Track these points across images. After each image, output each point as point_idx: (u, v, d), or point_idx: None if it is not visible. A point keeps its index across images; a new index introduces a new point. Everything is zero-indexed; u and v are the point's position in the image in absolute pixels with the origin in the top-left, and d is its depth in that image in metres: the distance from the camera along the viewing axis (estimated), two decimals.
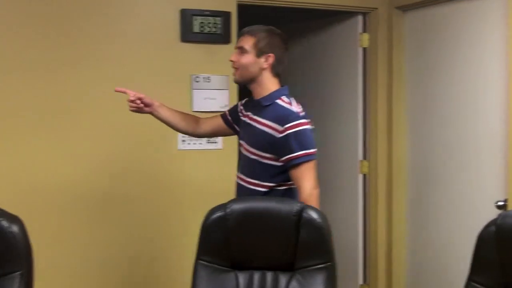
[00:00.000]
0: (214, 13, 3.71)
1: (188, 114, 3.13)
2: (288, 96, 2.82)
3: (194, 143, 3.66)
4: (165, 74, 3.63)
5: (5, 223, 2.37)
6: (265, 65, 2.77)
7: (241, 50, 2.78)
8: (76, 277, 3.47)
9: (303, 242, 2.48)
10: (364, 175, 4.34)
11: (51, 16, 3.39)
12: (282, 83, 2.86)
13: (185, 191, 3.69)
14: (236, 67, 2.80)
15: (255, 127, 2.79)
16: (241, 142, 2.88)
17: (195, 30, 3.65)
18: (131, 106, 2.92)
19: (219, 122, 3.07)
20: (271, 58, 2.77)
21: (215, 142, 3.71)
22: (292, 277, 2.50)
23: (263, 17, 4.84)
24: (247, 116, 2.87)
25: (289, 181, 2.77)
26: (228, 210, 2.51)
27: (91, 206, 3.50)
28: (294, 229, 2.47)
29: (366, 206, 4.34)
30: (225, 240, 2.51)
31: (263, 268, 2.54)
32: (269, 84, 2.79)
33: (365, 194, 4.34)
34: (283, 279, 2.51)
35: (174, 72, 3.64)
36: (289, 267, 2.52)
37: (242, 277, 2.53)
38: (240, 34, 2.86)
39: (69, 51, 3.42)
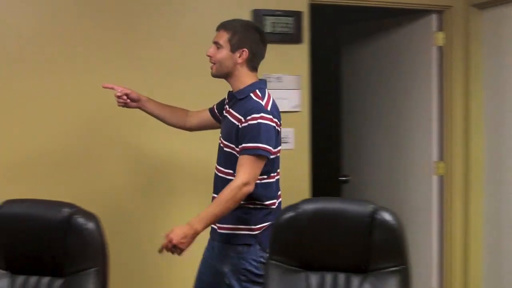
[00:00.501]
0: (286, 13, 3.70)
1: (177, 107, 3.11)
2: (262, 90, 2.79)
3: None
4: None
5: (81, 220, 2.43)
6: (239, 60, 2.76)
7: (217, 45, 2.79)
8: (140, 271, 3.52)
9: (376, 244, 2.45)
10: (440, 177, 4.24)
11: (118, 20, 3.43)
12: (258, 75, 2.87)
13: None
14: (213, 62, 2.80)
15: (228, 119, 2.80)
16: (220, 135, 2.89)
17: (266, 30, 3.64)
18: (118, 102, 2.96)
19: (206, 115, 3.08)
20: (245, 53, 2.76)
21: (287, 142, 3.69)
22: (365, 279, 2.47)
23: (335, 16, 4.84)
24: (225, 109, 2.89)
25: (264, 175, 2.74)
26: (299, 211, 2.50)
27: (155, 200, 3.54)
28: (367, 230, 2.44)
29: (441, 208, 4.24)
30: (297, 240, 2.50)
31: (334, 269, 2.52)
32: (244, 78, 2.79)
33: (441, 196, 4.24)
34: (355, 281, 2.48)
35: None
36: (362, 269, 2.48)
37: (313, 278, 2.52)
38: (216, 28, 2.84)
39: (137, 54, 3.46)
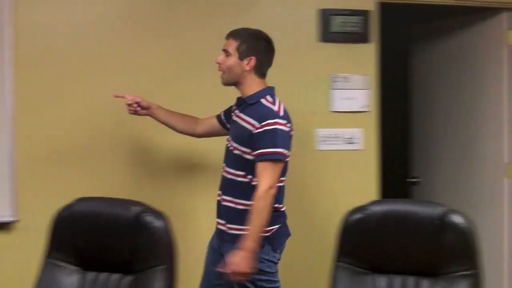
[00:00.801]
0: (354, 12, 3.66)
1: (186, 115, 3.17)
2: (272, 96, 2.87)
3: (335, 144, 3.63)
4: (303, 74, 3.61)
5: (150, 219, 2.46)
6: (247, 68, 2.84)
7: (226, 53, 2.87)
8: None
9: (446, 247, 2.40)
10: None
11: (181, 20, 3.47)
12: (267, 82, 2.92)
13: (322, 192, 3.66)
14: (221, 69, 2.89)
15: (238, 123, 2.87)
16: (228, 138, 2.95)
17: (333, 29, 3.62)
18: (129, 110, 3.03)
19: (214, 123, 3.14)
20: (252, 61, 2.84)
21: (355, 143, 3.66)
22: (435, 283, 2.42)
23: (404, 15, 4.77)
24: (234, 113, 2.94)
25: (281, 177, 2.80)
26: (368, 212, 2.47)
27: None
28: (437, 233, 2.39)
29: None
30: (365, 242, 2.47)
31: (403, 272, 2.48)
32: (253, 85, 2.87)
33: None
34: (425, 284, 2.44)
35: (312, 73, 3.62)
36: (432, 272, 2.44)
37: (382, 281, 2.48)
38: (226, 37, 2.91)
39: (207, 56, 3.48)
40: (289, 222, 3.50)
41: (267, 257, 2.77)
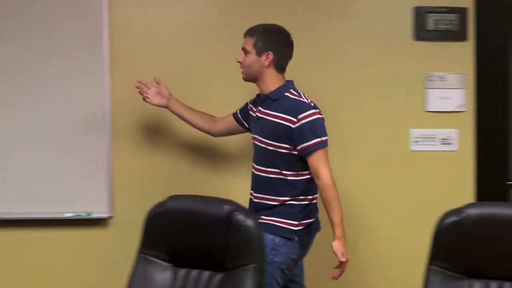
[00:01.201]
0: (450, 10, 3.55)
1: (204, 113, 3.23)
2: (295, 89, 2.91)
3: (429, 144, 3.55)
4: (397, 73, 3.54)
5: (241, 217, 2.47)
6: (266, 63, 2.87)
7: (244, 51, 2.92)
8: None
9: None
10: None
11: (282, 20, 3.46)
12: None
13: (416, 193, 3.57)
14: (243, 67, 2.94)
15: (267, 119, 2.88)
16: (254, 136, 2.97)
17: (429, 27, 3.53)
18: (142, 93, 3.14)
19: (230, 120, 3.18)
20: (270, 56, 2.87)
21: (451, 144, 3.56)
22: None
23: (504, 12, 4.59)
24: (257, 111, 2.96)
25: (309, 170, 2.84)
26: (463, 215, 2.39)
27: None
28: None
29: None
30: (460, 246, 2.39)
31: (501, 277, 2.38)
32: (274, 79, 2.90)
33: None
34: None
35: (406, 71, 3.54)
36: None
37: (477, 285, 2.40)
38: (243, 35, 2.95)
39: (300, 54, 3.47)
40: (382, 224, 3.47)
41: (288, 253, 2.83)
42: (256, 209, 2.90)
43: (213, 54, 3.45)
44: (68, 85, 3.33)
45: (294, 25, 3.38)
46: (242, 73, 2.96)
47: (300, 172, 2.86)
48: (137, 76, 3.35)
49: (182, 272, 2.55)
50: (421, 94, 3.55)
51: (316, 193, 2.91)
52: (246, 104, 3.13)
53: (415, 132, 3.54)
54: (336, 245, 2.78)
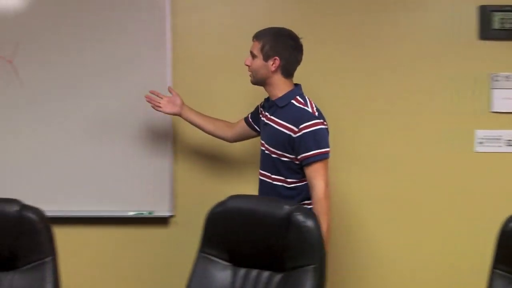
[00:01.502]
0: None
1: (218, 119, 3.22)
2: (302, 96, 2.87)
3: (494, 146, 3.46)
4: (462, 73, 3.47)
5: (301, 218, 2.46)
6: (272, 68, 2.83)
7: (252, 55, 2.87)
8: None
9: None
10: None
11: (344, 18, 3.46)
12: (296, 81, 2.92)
13: (480, 195, 3.50)
14: (250, 71, 2.90)
15: (272, 127, 2.86)
16: (261, 141, 2.95)
17: (494, 26, 3.45)
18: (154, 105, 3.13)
19: (242, 125, 3.16)
20: (277, 61, 2.82)
21: None
22: None
23: None
24: (265, 116, 2.94)
25: None
26: None
27: (381, 207, 3.50)
28: None
29: None
30: None
31: None
32: (281, 85, 2.86)
33: None
34: None
35: (471, 71, 3.47)
36: None
37: None
38: (252, 39, 2.90)
39: (365, 53, 3.46)
40: (446, 224, 3.41)
41: None
42: None
43: None
44: (133, 87, 3.39)
45: (354, 23, 3.38)
46: (250, 76, 2.93)
47: (303, 178, 2.83)
48: (199, 76, 3.40)
49: (241, 271, 2.56)
50: (486, 95, 3.47)
51: None
52: (257, 108, 3.12)
53: (480, 133, 3.46)
54: None
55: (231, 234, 2.57)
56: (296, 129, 2.76)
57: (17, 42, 3.38)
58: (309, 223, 2.45)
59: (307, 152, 2.75)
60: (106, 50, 3.38)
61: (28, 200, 2.58)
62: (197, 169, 3.47)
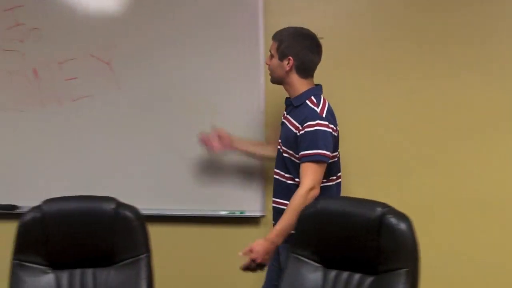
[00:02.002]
0: None
1: (260, 141, 3.32)
2: (317, 96, 2.87)
3: None
4: None
5: (393, 220, 2.42)
6: (287, 68, 2.85)
7: (270, 54, 2.91)
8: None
9: None
10: None
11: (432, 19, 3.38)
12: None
13: None
14: (269, 70, 2.95)
15: (286, 126, 2.90)
16: (279, 140, 2.97)
17: None
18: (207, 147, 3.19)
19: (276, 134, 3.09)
20: (291, 61, 2.84)
21: None
22: None
23: None
24: (283, 115, 2.99)
25: (324, 178, 2.82)
26: None
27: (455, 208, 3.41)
28: None
29: None
30: None
31: None
32: (297, 85, 2.88)
33: None
34: None
35: None
36: None
37: None
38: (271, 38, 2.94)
39: (450, 54, 3.36)
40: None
41: None
42: (275, 213, 2.92)
43: (367, 55, 3.41)
44: (226, 89, 3.44)
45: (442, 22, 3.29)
46: (270, 75, 2.97)
47: None
48: None
49: (332, 273, 2.54)
50: None
51: None
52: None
53: None
54: (258, 243, 2.72)
55: (322, 236, 2.55)
56: (300, 127, 2.80)
57: (115, 45, 3.48)
58: (402, 225, 2.40)
59: (304, 150, 2.77)
60: (200, 49, 3.43)
61: (124, 198, 2.65)
62: None
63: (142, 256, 2.57)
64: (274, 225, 2.88)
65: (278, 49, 2.87)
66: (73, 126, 3.56)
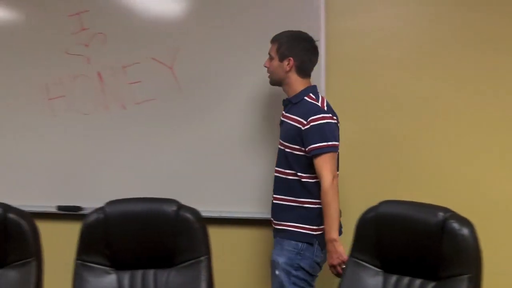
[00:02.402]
0: None
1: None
2: (316, 93, 3.00)
3: None
4: None
5: (456, 225, 2.38)
6: (287, 68, 2.97)
7: (270, 57, 3.03)
8: None
9: None
10: None
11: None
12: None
13: None
14: (269, 72, 3.05)
15: (286, 122, 3.00)
16: (279, 140, 3.05)
17: None
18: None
19: None
20: (291, 61, 2.96)
21: None
22: None
23: None
24: (282, 115, 3.07)
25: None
26: None
27: None
28: None
29: None
30: None
31: None
32: (297, 84, 3.00)
33: None
34: None
35: None
36: None
37: None
38: (270, 42, 3.04)
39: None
40: None
41: (312, 257, 2.91)
42: (277, 210, 3.02)
43: (426, 56, 3.37)
44: None
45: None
46: (268, 77, 3.07)
47: (315, 175, 2.91)
48: (352, 80, 3.38)
49: (393, 278, 2.51)
50: None
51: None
52: None
53: None
54: (333, 248, 2.83)
55: (383, 240, 2.53)
56: (305, 122, 2.89)
57: (177, 48, 3.53)
58: (465, 231, 2.36)
59: (315, 144, 2.86)
60: (262, 51, 3.44)
61: (186, 200, 2.68)
62: (349, 174, 3.44)
63: (202, 258, 2.60)
64: (272, 221, 3.06)
65: (278, 50, 3.00)
66: (136, 129, 3.62)
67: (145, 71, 3.58)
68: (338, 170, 3.00)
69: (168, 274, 2.61)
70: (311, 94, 2.99)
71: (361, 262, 2.57)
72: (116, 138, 3.66)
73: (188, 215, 2.62)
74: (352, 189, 3.38)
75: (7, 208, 2.57)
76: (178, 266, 2.62)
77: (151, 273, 2.64)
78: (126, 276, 2.63)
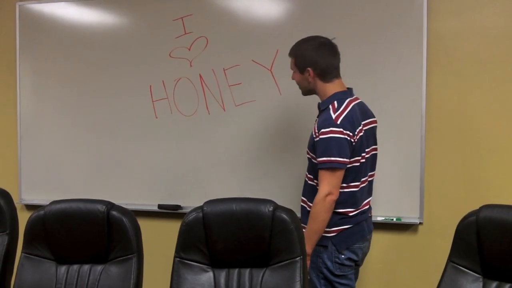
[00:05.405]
0: None
1: None
2: (341, 101, 2.85)
3: None
4: None
5: None
6: (310, 79, 2.90)
7: (294, 71, 2.96)
8: None
9: None
10: None
11: None
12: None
13: None
14: (298, 85, 2.99)
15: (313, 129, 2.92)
16: None
17: None
18: None
19: None
20: (311, 71, 2.87)
21: None
22: None
23: None
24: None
25: (343, 183, 2.83)
26: None
27: None
28: None
29: None
30: None
31: None
32: (324, 90, 2.91)
33: None
34: None
35: None
36: None
37: None
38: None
39: None
40: None
41: (330, 258, 2.86)
42: (302, 213, 2.98)
43: None
44: (387, 90, 3.42)
45: None
46: (300, 89, 3.01)
47: None
48: (453, 80, 3.30)
49: (493, 285, 2.43)
50: None
51: (354, 207, 2.88)
52: None
53: None
54: None
55: (484, 245, 2.46)
56: (317, 133, 2.83)
57: (276, 51, 3.56)
58: None
59: (319, 157, 2.81)
60: (363, 51, 3.42)
61: (281, 200, 2.71)
62: (448, 176, 3.36)
63: (297, 258, 2.60)
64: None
65: (296, 64, 2.95)
66: (236, 130, 3.69)
67: (245, 73, 3.64)
68: (365, 182, 2.95)
69: (263, 274, 2.63)
70: (335, 103, 2.86)
71: (460, 267, 2.50)
72: (216, 139, 3.74)
73: (284, 216, 2.63)
74: (453, 192, 3.31)
75: (110, 205, 2.68)
76: (273, 266, 2.63)
77: (246, 272, 2.66)
78: (222, 274, 2.67)
